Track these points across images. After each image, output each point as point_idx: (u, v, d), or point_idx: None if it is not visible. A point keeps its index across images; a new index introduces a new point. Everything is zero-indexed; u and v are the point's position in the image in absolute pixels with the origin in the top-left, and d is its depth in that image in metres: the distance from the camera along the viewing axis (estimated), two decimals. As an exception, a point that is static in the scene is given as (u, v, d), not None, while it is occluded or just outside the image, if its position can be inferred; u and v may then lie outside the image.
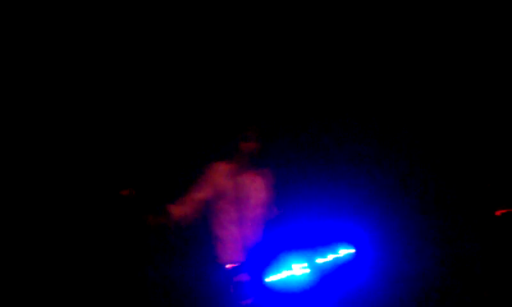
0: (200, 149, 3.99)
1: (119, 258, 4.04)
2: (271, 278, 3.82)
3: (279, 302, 3.81)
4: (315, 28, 4.43)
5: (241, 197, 3.56)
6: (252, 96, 4.35)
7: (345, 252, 4.84)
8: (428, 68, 4.78)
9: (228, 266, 3.47)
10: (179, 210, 3.41)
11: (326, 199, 4.60)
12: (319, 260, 4.59)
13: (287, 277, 4.00)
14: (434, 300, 4.46)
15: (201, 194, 3.53)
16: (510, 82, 4.72)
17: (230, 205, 3.54)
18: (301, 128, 4.41)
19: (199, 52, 4.24)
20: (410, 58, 4.75)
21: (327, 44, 4.52)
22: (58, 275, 3.94)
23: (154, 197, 3.41)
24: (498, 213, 4.78)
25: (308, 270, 4.26)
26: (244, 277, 3.45)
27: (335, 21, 4.43)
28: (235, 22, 4.30)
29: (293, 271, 4.16)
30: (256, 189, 3.63)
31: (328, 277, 4.52)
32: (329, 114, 4.52)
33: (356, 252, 4.74)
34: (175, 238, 3.98)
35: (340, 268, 4.64)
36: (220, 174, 3.55)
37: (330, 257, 4.75)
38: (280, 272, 4.00)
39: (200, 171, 3.56)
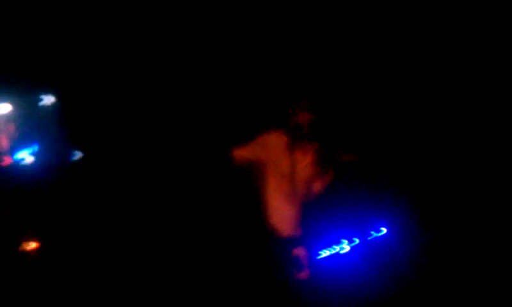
0: (256, 119, 3.99)
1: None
2: (323, 254, 3.85)
3: (331, 278, 3.81)
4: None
5: (293, 171, 3.55)
6: (307, 69, 4.34)
7: (384, 231, 4.84)
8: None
9: (282, 240, 3.48)
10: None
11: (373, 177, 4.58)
12: (364, 238, 4.60)
13: (337, 253, 4.03)
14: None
15: (253, 159, 3.56)
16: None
17: (282, 177, 3.54)
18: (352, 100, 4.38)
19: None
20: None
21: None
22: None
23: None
24: None
25: (354, 247, 4.27)
26: (298, 251, 3.46)
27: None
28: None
29: (341, 248, 4.17)
30: (307, 163, 3.62)
31: (371, 255, 4.53)
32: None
33: (393, 232, 4.73)
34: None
35: (380, 247, 4.65)
36: (273, 145, 3.55)
37: (372, 236, 4.75)
38: (330, 248, 4.03)
39: (253, 139, 3.58)
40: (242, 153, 3.62)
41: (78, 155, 4.17)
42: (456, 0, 4.48)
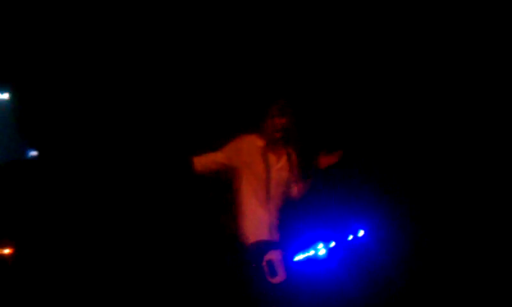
0: (230, 122, 3.96)
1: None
2: (298, 257, 3.82)
3: (306, 281, 3.79)
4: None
5: (268, 174, 3.52)
6: (285, 71, 4.33)
7: (361, 233, 4.86)
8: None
9: (256, 244, 3.44)
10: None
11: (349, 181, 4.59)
12: (340, 241, 4.61)
13: (312, 256, 4.01)
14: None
15: (227, 162, 3.52)
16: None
17: (257, 181, 3.51)
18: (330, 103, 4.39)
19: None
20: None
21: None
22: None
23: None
24: None
25: (330, 250, 4.27)
26: (273, 255, 3.42)
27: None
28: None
29: (317, 251, 4.17)
30: (282, 167, 3.59)
31: (348, 257, 4.54)
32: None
33: (369, 234, 4.76)
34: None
35: (358, 248, 4.67)
36: (248, 148, 3.51)
37: (349, 238, 4.78)
38: (306, 251, 4.01)
39: (228, 141, 3.53)
40: (216, 157, 3.58)
41: (33, 154, 4.06)
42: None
